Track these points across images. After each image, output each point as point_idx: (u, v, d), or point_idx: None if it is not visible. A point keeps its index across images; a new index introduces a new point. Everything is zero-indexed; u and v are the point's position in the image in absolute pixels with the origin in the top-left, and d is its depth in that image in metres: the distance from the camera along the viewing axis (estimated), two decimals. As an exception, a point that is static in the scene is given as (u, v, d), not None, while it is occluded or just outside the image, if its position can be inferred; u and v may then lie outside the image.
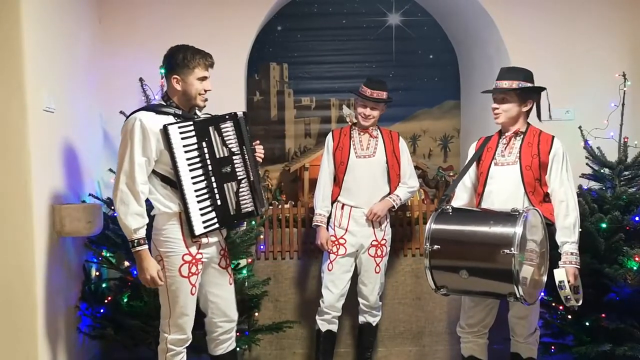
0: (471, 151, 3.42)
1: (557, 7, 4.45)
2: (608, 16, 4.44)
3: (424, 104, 5.41)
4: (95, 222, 3.49)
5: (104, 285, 3.83)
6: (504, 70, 3.27)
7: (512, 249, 2.78)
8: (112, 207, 3.81)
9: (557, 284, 3.06)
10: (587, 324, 3.63)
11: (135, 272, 3.51)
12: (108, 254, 3.67)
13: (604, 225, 3.60)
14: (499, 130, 3.33)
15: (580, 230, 3.57)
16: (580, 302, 3.13)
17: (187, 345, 3.02)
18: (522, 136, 3.23)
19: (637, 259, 3.41)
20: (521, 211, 2.89)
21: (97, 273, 3.94)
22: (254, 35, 4.50)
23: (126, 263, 3.56)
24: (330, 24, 5.29)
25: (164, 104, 2.94)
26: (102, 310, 3.66)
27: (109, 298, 3.68)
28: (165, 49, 4.18)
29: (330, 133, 3.96)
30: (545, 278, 3.06)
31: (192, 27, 4.26)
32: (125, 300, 3.61)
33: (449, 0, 4.90)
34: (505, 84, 3.19)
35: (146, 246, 2.83)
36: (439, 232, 3.00)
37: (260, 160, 3.10)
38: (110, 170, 3.97)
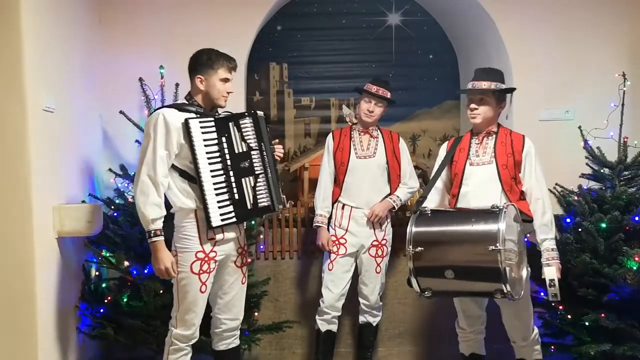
0: (442, 152, 3.43)
1: (557, 7, 4.45)
2: (608, 16, 4.43)
3: (424, 104, 5.41)
4: (95, 222, 3.49)
5: (103, 285, 3.83)
6: (480, 71, 3.30)
7: (498, 244, 2.77)
8: (112, 207, 3.82)
9: (547, 283, 3.08)
10: (587, 323, 3.63)
11: (135, 272, 3.52)
12: (108, 254, 3.68)
13: (603, 225, 3.60)
14: (470, 130, 3.36)
15: (580, 230, 3.59)
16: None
17: (191, 342, 3.05)
18: (494, 136, 3.26)
19: (636, 258, 3.41)
20: (501, 207, 2.89)
21: (97, 273, 3.94)
22: (253, 35, 4.50)
23: (126, 263, 3.56)
24: (330, 24, 5.29)
25: (187, 102, 3.03)
26: (102, 310, 3.66)
27: (109, 298, 3.68)
28: (165, 49, 4.20)
29: (331, 133, 3.96)
30: (524, 274, 3.05)
31: (192, 27, 4.26)
32: (125, 300, 3.61)
33: (449, 0, 4.90)
34: (484, 84, 3.21)
35: (162, 237, 2.87)
36: (420, 234, 2.97)
37: (279, 159, 3.17)
38: (110, 170, 3.98)
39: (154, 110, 3.00)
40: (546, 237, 3.17)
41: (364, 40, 5.31)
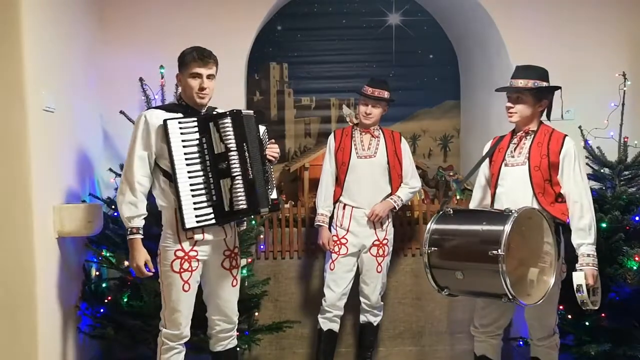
0: (485, 150, 3.35)
1: (557, 6, 4.45)
2: (608, 16, 4.43)
3: (424, 104, 5.42)
4: (95, 222, 3.49)
5: (104, 285, 3.83)
6: (520, 69, 3.19)
7: (499, 249, 2.72)
8: (112, 207, 3.83)
9: (575, 288, 2.95)
10: (587, 323, 3.63)
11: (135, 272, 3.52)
12: (108, 254, 3.68)
13: (604, 225, 3.59)
14: (513, 129, 3.26)
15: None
16: (598, 306, 3.04)
17: (182, 341, 3.04)
18: (532, 136, 3.14)
19: (637, 258, 3.41)
20: (513, 211, 2.83)
21: (97, 273, 3.94)
22: (254, 35, 4.50)
23: (126, 263, 3.55)
24: (330, 24, 5.30)
25: (176, 102, 3.04)
26: (102, 310, 3.66)
27: (109, 298, 3.68)
28: (165, 49, 4.19)
29: (332, 133, 3.96)
30: (552, 280, 2.94)
31: (192, 27, 4.26)
32: (125, 300, 3.61)
33: (449, 0, 4.90)
34: (520, 82, 3.10)
35: (139, 236, 2.91)
36: (437, 233, 2.98)
37: (274, 159, 3.10)
38: (110, 170, 3.98)
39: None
40: (583, 241, 3.00)
41: (364, 40, 5.31)
